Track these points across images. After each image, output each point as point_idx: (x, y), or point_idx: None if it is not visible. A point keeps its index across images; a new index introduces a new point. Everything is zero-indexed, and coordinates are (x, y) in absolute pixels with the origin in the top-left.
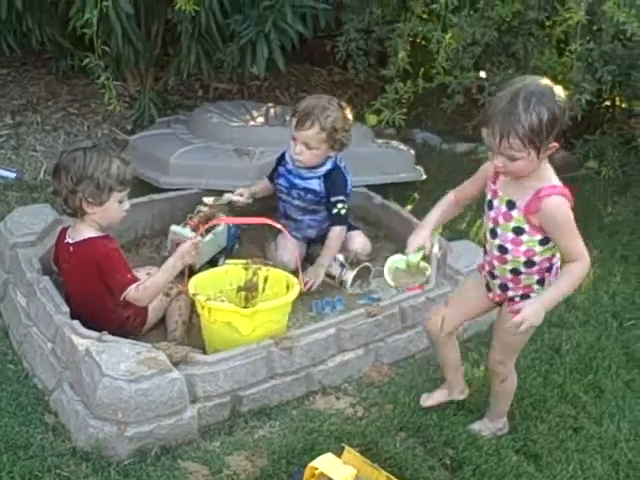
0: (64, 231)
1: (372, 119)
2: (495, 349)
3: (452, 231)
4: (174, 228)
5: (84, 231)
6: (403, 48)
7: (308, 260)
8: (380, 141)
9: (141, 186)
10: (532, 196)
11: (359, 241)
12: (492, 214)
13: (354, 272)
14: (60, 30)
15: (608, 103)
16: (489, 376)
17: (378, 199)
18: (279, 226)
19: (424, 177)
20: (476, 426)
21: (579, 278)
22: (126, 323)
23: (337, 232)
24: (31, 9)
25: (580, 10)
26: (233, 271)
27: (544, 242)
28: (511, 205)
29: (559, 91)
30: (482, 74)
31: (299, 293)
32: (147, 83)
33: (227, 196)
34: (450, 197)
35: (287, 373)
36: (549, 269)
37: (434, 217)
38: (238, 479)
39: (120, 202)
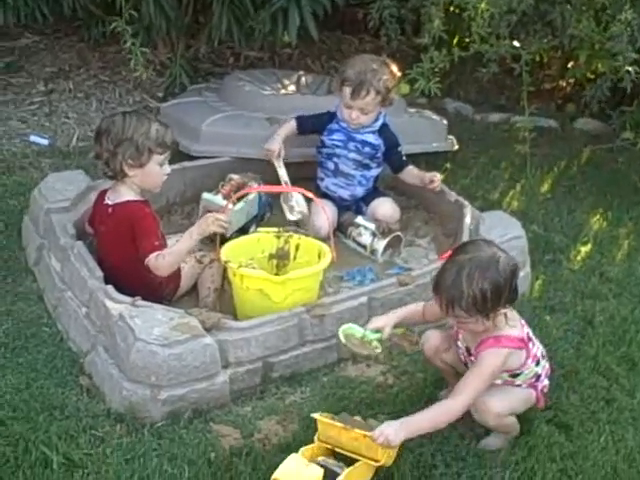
0: (103, 193)
1: (404, 88)
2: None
3: (485, 201)
4: (206, 195)
5: (124, 194)
6: (438, 16)
7: (339, 228)
8: (412, 110)
9: (173, 153)
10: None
11: (387, 207)
12: (459, 349)
13: (385, 241)
14: None
15: None
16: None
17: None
18: (310, 195)
19: (456, 147)
20: (491, 441)
21: (444, 419)
22: (159, 288)
23: (412, 167)
24: None
25: None
26: (265, 239)
27: (516, 376)
28: (469, 351)
29: (505, 262)
30: (516, 43)
31: (331, 262)
32: (178, 51)
33: (283, 180)
34: (420, 307)
35: (318, 340)
36: (537, 379)
37: (403, 312)
38: (269, 443)
39: (161, 165)
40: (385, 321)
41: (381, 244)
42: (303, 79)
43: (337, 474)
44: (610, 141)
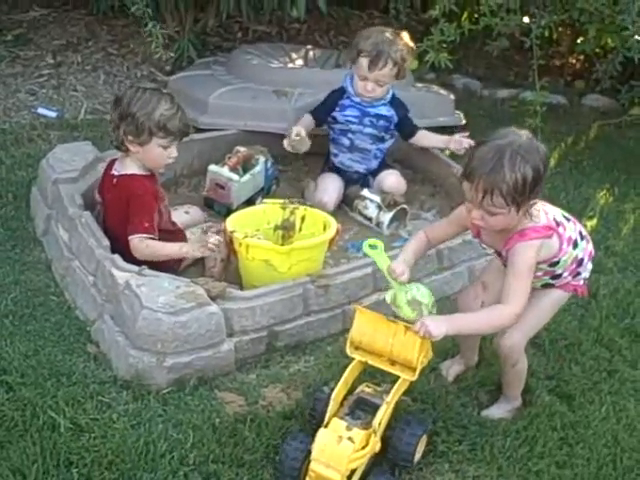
0: (112, 162)
1: (413, 63)
2: (506, 333)
3: None
4: (212, 168)
5: (129, 166)
6: None
7: (345, 201)
8: (420, 85)
9: None
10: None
11: (394, 179)
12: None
13: (391, 214)
14: None
15: None
16: (499, 362)
17: None
18: None
19: (464, 122)
20: (494, 411)
21: (496, 323)
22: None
23: (425, 131)
24: None
25: None
26: (271, 210)
27: (555, 264)
28: (499, 254)
29: (542, 148)
30: (526, 19)
31: (336, 233)
32: (186, 24)
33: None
34: (423, 237)
35: (323, 310)
36: (580, 264)
37: (413, 250)
38: (273, 410)
39: (164, 148)
40: (403, 268)
41: (387, 217)
42: (311, 53)
43: (377, 405)
44: (619, 116)
